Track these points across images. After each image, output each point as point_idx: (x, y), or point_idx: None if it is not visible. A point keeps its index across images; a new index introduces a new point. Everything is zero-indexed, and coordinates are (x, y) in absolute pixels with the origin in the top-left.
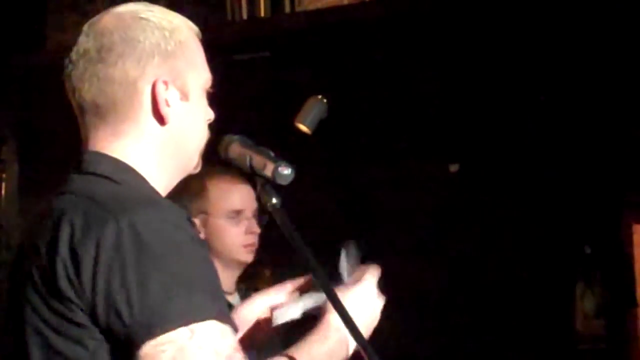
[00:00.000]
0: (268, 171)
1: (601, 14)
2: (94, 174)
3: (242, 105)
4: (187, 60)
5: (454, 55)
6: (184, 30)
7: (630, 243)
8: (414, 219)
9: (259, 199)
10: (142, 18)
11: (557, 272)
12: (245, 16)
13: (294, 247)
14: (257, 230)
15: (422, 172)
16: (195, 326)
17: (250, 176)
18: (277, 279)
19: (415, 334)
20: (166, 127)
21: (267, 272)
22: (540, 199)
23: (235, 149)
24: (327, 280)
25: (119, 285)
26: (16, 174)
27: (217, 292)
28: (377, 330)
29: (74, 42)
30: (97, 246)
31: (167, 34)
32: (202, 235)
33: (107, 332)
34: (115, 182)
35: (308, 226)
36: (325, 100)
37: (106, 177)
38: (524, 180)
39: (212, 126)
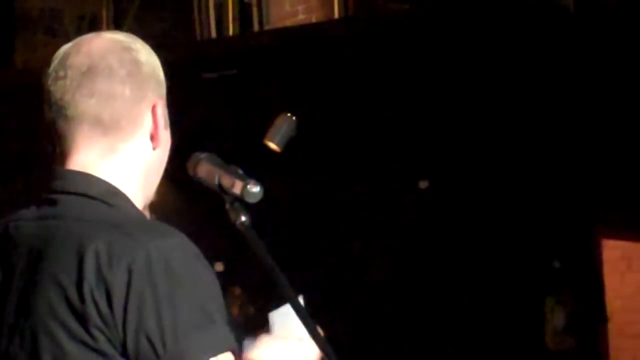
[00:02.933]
0: (237, 189)
1: (563, 35)
2: (88, 196)
3: (211, 123)
4: (165, 90)
5: (423, 72)
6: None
7: (600, 258)
8: (385, 235)
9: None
10: (137, 42)
11: (526, 286)
12: (213, 34)
13: (263, 265)
14: None
15: (392, 189)
16: (220, 357)
17: (218, 194)
18: (247, 298)
19: (384, 348)
20: (156, 151)
21: (237, 290)
22: (510, 214)
23: (204, 167)
24: (296, 297)
25: (152, 315)
26: None
27: (228, 322)
28: (345, 340)
29: (47, 58)
30: (129, 273)
31: (157, 62)
32: None
33: None
34: (110, 205)
35: (275, 240)
36: (294, 118)
37: (101, 200)
38: (494, 196)
39: (180, 144)
